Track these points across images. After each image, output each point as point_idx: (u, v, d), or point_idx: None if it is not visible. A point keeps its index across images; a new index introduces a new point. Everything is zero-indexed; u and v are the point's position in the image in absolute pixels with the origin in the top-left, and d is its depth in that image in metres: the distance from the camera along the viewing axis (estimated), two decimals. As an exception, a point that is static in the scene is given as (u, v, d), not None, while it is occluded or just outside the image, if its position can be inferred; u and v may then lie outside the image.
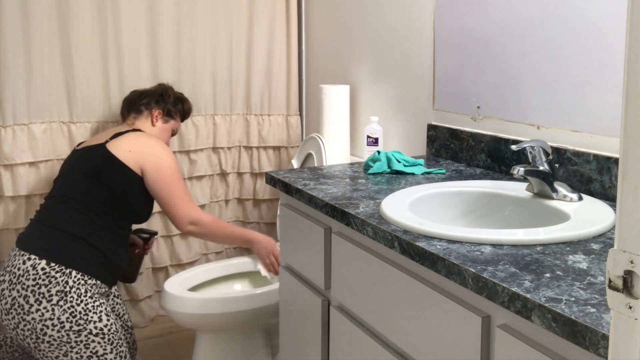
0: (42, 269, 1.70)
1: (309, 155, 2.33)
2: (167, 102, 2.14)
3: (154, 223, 2.49)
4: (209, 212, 2.65)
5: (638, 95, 0.54)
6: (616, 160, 1.32)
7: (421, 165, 1.65)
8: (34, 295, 1.68)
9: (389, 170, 1.62)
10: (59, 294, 1.69)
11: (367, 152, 2.06)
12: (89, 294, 1.74)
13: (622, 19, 1.30)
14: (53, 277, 1.70)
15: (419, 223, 1.12)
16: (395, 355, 1.15)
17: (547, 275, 0.90)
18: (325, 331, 1.43)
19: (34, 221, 1.85)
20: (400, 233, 1.11)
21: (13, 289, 1.70)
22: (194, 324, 2.06)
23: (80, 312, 1.71)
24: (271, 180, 1.63)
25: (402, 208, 1.22)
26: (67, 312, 1.69)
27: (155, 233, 2.21)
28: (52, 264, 1.71)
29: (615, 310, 0.57)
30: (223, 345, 2.10)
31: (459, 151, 1.78)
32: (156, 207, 2.42)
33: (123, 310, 2.01)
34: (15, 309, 1.69)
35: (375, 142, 2.06)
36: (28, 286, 1.69)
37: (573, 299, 0.81)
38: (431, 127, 1.89)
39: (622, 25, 1.30)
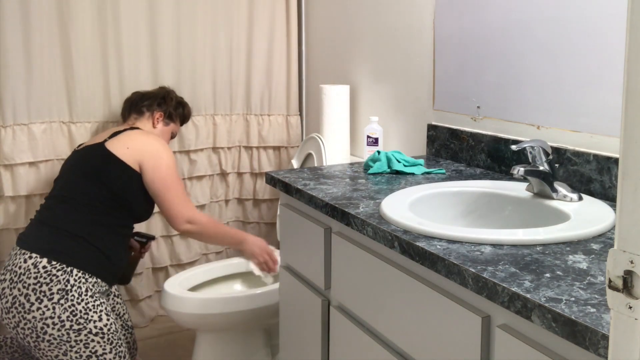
0: (44, 267, 1.70)
1: (309, 155, 2.33)
2: (169, 105, 2.15)
3: (154, 223, 2.49)
4: (209, 212, 2.65)
5: (638, 95, 0.54)
6: (616, 160, 1.32)
7: (421, 165, 1.65)
8: (35, 294, 1.68)
9: (389, 170, 1.62)
10: (60, 292, 1.69)
11: (367, 152, 2.06)
12: (89, 293, 1.74)
13: (622, 19, 1.30)
14: (54, 275, 1.70)
15: (419, 223, 1.12)
16: (395, 355, 1.15)
17: (547, 275, 0.90)
18: (325, 331, 1.43)
19: (34, 221, 1.85)
20: (400, 233, 1.11)
21: (14, 287, 1.70)
22: (194, 324, 2.06)
23: (80, 311, 1.71)
24: (271, 180, 1.63)
25: (402, 208, 1.22)
26: (67, 310, 1.69)
27: (153, 237, 2.20)
28: (54, 262, 1.71)
29: (615, 310, 0.57)
30: (223, 345, 2.10)
31: (459, 151, 1.78)
32: (156, 208, 2.42)
33: (123, 310, 2.01)
34: (15, 308, 1.69)
35: (375, 142, 2.06)
36: (29, 284, 1.69)
37: (573, 299, 0.81)
38: (431, 127, 1.89)
39: (622, 25, 1.30)
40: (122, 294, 2.47)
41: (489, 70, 1.67)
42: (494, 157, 1.65)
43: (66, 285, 1.70)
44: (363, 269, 1.24)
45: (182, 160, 2.53)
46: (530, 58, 1.53)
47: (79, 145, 2.04)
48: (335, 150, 2.22)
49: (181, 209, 1.91)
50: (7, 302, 1.71)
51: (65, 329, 1.69)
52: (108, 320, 1.76)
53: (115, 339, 1.76)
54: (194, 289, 2.18)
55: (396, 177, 1.58)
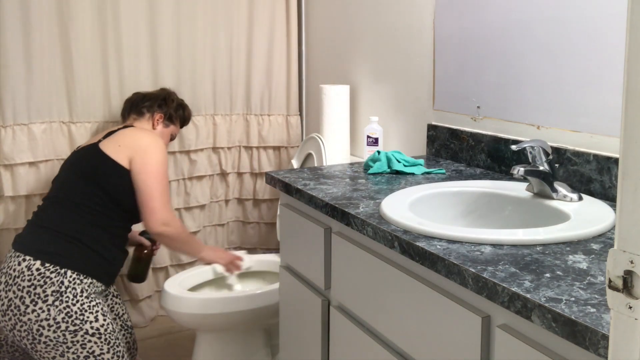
0: (37, 269, 1.70)
1: (309, 155, 2.33)
2: (169, 107, 2.14)
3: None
4: (209, 212, 2.66)
5: (638, 95, 0.54)
6: (616, 160, 1.32)
7: (421, 165, 1.65)
8: (30, 296, 1.68)
9: (389, 170, 1.62)
10: (54, 294, 1.69)
11: (367, 152, 2.06)
12: (85, 294, 1.74)
13: (622, 19, 1.30)
14: (48, 277, 1.70)
15: (419, 223, 1.12)
16: (395, 355, 1.15)
17: (547, 275, 0.90)
18: (325, 331, 1.43)
19: (30, 223, 1.85)
20: (400, 233, 1.11)
21: (9, 290, 1.70)
22: (194, 324, 2.06)
23: (76, 312, 1.70)
24: (271, 180, 1.63)
25: (402, 208, 1.22)
26: (62, 312, 1.69)
27: None
28: (47, 265, 1.71)
29: (615, 310, 0.57)
30: (223, 345, 2.10)
31: (459, 151, 1.78)
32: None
33: (122, 310, 2.01)
34: (11, 310, 1.69)
35: (375, 142, 2.06)
36: (23, 287, 1.69)
37: (573, 299, 0.81)
38: (431, 127, 1.89)
39: (622, 25, 1.30)
40: (121, 294, 2.47)
41: (489, 70, 1.67)
42: (494, 157, 1.65)
43: (60, 287, 1.70)
44: (363, 269, 1.24)
45: (182, 160, 2.53)
46: (530, 58, 1.53)
47: (79, 147, 2.04)
48: (335, 150, 2.22)
49: (161, 209, 1.86)
50: (3, 305, 1.71)
51: (61, 331, 1.69)
52: (105, 320, 1.75)
53: (112, 339, 1.76)
54: (194, 289, 2.18)
55: (396, 177, 1.58)
